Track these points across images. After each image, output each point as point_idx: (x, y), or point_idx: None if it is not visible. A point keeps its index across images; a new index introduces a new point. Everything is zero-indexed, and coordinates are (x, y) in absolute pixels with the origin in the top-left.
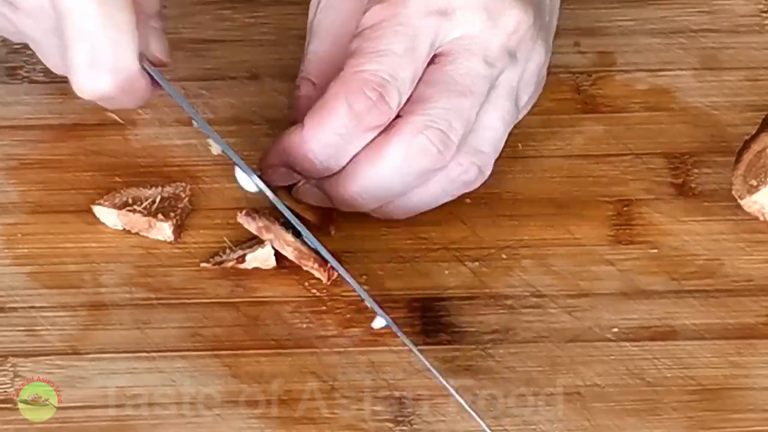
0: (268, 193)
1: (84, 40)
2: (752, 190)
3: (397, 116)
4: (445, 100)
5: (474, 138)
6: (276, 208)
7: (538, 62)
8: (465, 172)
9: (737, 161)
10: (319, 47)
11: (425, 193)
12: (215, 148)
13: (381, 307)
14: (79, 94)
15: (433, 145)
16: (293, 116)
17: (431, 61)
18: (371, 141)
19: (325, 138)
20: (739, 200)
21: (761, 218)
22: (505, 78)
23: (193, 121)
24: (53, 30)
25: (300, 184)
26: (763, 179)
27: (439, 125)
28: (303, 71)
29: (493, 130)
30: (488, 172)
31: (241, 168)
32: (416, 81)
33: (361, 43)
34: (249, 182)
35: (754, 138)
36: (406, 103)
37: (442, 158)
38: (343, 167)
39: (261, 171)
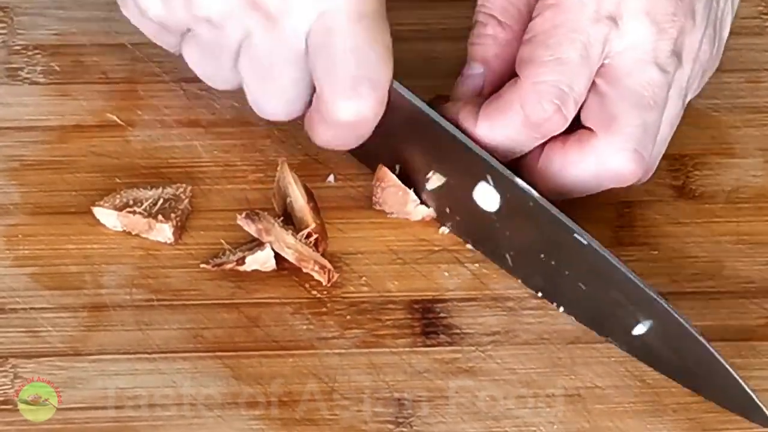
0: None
1: (352, 55)
2: None
3: (584, 126)
4: (635, 117)
5: None
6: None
7: (704, 59)
8: (624, 175)
9: None
10: None
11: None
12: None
13: (383, 307)
14: (333, 117)
15: (627, 167)
16: (477, 53)
17: (603, 73)
18: (564, 148)
19: (495, 138)
20: None
21: None
22: (676, 80)
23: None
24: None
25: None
26: None
27: (634, 145)
28: (486, 7)
29: (662, 134)
30: (651, 173)
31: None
32: (589, 88)
33: (536, 49)
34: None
35: None
36: (591, 115)
37: (634, 178)
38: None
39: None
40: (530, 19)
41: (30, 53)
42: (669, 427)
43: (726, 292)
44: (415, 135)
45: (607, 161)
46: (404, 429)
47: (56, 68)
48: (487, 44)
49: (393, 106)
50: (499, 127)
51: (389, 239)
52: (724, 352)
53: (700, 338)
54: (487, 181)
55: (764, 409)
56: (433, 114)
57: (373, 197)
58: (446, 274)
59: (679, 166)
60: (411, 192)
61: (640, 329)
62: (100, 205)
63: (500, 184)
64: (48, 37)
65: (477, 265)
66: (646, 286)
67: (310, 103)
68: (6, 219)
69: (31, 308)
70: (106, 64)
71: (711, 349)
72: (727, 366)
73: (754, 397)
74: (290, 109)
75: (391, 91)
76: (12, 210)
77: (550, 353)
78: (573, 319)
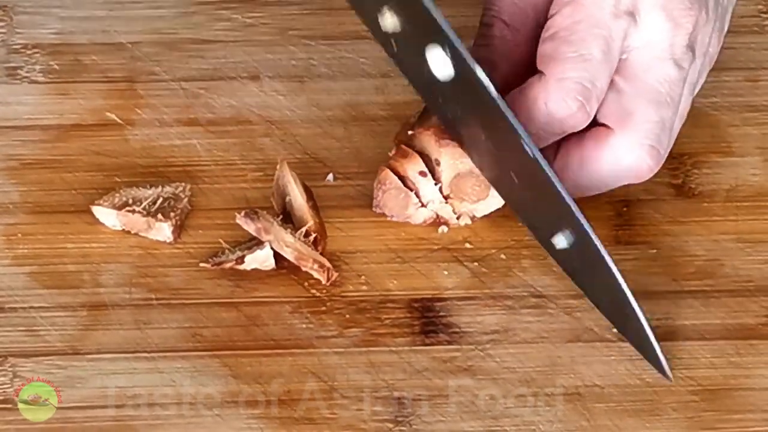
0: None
1: None
2: None
3: (602, 123)
4: (652, 113)
5: None
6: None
7: (713, 53)
8: (640, 171)
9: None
10: None
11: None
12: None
13: (382, 306)
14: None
15: (645, 163)
16: (483, 54)
17: (621, 69)
18: (581, 145)
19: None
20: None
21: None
22: (689, 75)
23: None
24: None
25: None
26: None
27: (651, 141)
28: (493, 9)
29: (674, 129)
30: (658, 167)
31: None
32: (608, 84)
33: (559, 46)
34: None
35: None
36: (608, 111)
37: (650, 173)
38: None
39: None
40: (537, 22)
41: (29, 52)
42: (668, 426)
43: (725, 291)
44: None
45: (624, 157)
46: (403, 428)
47: (55, 67)
48: (494, 46)
49: None
50: (521, 123)
51: (388, 238)
52: (724, 350)
53: (611, 265)
54: (443, 49)
55: (660, 355)
56: None
57: (374, 200)
58: (445, 272)
59: (678, 165)
60: (413, 195)
61: (560, 241)
62: (99, 204)
63: (455, 56)
64: (47, 36)
65: (476, 263)
66: (569, 198)
67: None
68: (5, 218)
69: (30, 307)
70: (105, 63)
71: (620, 279)
72: (634, 302)
73: (651, 338)
74: None
75: None
76: (11, 209)
77: (550, 352)
78: (572, 317)
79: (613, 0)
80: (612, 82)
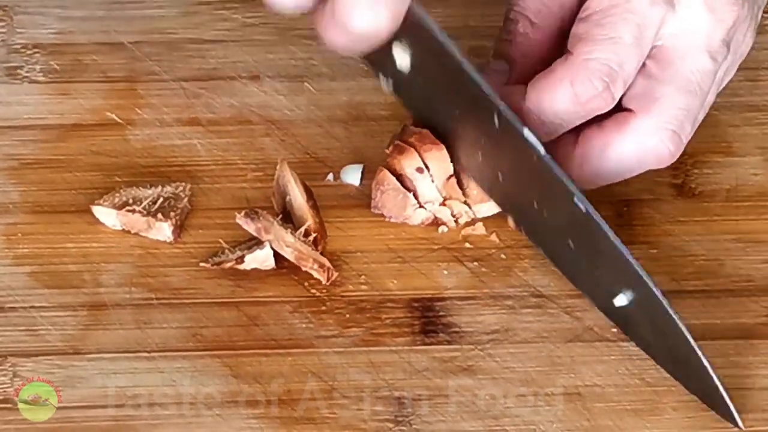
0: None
1: None
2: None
3: (626, 108)
4: (679, 100)
5: None
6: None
7: (744, 51)
8: (662, 155)
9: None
10: None
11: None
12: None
13: (382, 305)
14: (346, 23)
15: (666, 147)
16: (505, 50)
17: (655, 55)
18: (602, 130)
19: (542, 115)
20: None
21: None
22: (720, 70)
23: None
24: None
25: None
26: None
27: (674, 126)
28: (519, 5)
29: (696, 120)
30: (678, 154)
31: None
32: (638, 70)
33: (591, 28)
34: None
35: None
36: (634, 95)
37: (671, 159)
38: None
39: None
40: (562, 21)
41: (29, 52)
42: (668, 426)
43: (725, 291)
44: None
45: (646, 141)
46: (404, 428)
47: (55, 67)
48: (517, 42)
49: None
50: (547, 102)
51: (388, 238)
52: (724, 350)
53: (677, 320)
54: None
55: (731, 405)
56: None
57: (372, 201)
58: (445, 272)
59: (678, 165)
60: (411, 196)
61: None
62: (99, 204)
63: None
64: (47, 36)
65: (476, 263)
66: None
67: None
68: (5, 218)
69: (30, 307)
70: (105, 62)
71: (687, 334)
72: (701, 355)
73: (721, 389)
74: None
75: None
76: (11, 209)
77: (550, 352)
78: (572, 317)
79: None
80: (643, 66)
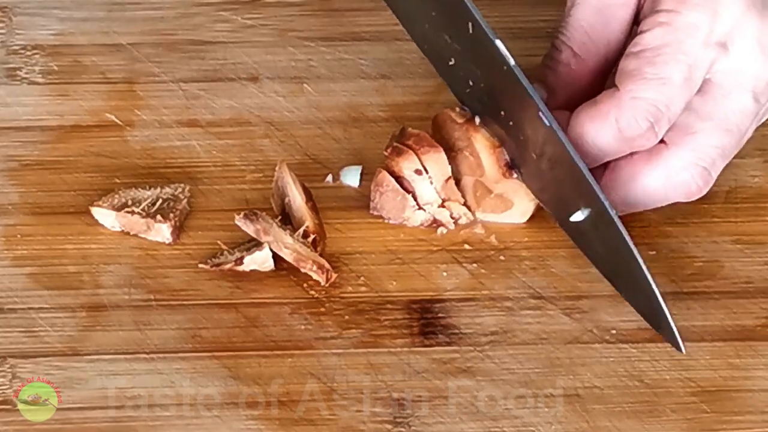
0: None
1: None
2: None
3: (662, 141)
4: (716, 138)
5: None
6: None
7: None
8: (690, 191)
9: None
10: (583, 16)
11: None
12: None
13: (381, 307)
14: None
15: (696, 183)
16: (546, 76)
17: (700, 88)
18: (632, 159)
19: (584, 144)
20: None
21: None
22: (761, 111)
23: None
24: None
25: None
26: None
27: (705, 164)
28: (565, 36)
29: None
30: (707, 190)
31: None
32: (684, 108)
33: (641, 65)
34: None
35: None
36: (671, 126)
37: (699, 195)
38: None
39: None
40: (606, 57)
41: (29, 53)
42: (667, 428)
43: (725, 292)
44: None
45: (676, 175)
46: (403, 429)
47: (55, 68)
48: (558, 71)
49: None
50: (590, 135)
51: (388, 239)
52: (723, 352)
53: (627, 238)
54: None
55: (674, 327)
56: None
57: (371, 202)
58: (444, 274)
59: None
60: (410, 197)
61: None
62: (98, 205)
63: None
64: (47, 37)
65: (475, 265)
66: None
67: None
68: (4, 219)
69: (29, 308)
70: (104, 64)
71: (636, 253)
72: (647, 274)
73: (666, 311)
74: None
75: None
76: (10, 210)
77: (549, 353)
78: (571, 319)
79: (707, 29)
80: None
